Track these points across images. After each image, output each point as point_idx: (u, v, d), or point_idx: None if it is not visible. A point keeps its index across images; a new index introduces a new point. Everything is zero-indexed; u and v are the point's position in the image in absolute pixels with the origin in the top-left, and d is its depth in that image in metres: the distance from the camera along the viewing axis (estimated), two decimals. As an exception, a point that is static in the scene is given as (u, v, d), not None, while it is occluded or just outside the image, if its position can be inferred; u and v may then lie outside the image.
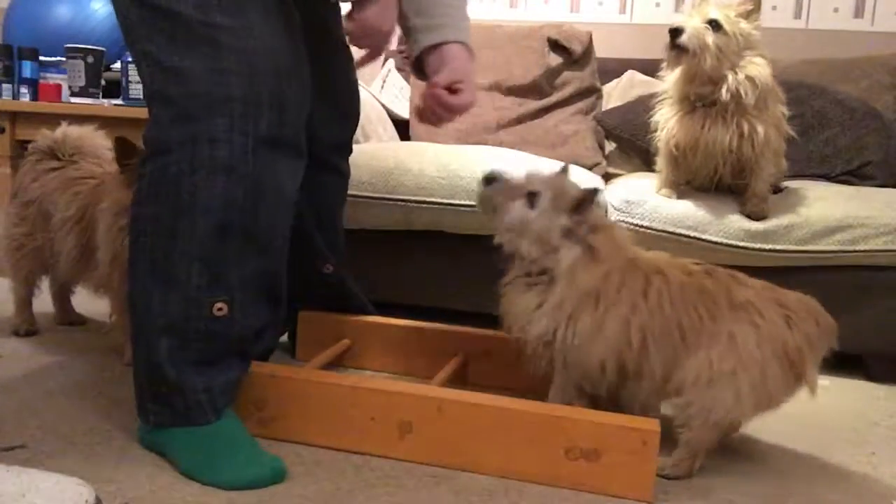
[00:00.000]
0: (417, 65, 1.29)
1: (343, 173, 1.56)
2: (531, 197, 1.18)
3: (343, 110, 1.49)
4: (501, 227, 1.21)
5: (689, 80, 1.63)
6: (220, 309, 1.06)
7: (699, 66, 1.56)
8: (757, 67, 1.56)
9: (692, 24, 1.55)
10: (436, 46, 1.25)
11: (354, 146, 1.99)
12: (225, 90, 1.02)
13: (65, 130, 1.58)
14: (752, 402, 1.09)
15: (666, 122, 1.70)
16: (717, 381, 1.08)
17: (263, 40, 1.05)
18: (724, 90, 1.56)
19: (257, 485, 1.01)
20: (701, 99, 1.61)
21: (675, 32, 1.55)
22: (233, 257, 1.07)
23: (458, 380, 1.45)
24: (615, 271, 1.16)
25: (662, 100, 1.73)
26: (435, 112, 1.26)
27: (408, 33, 1.26)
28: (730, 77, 1.56)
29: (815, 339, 1.12)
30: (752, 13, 1.57)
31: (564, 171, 1.25)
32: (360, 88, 2.34)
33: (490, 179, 1.22)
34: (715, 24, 1.55)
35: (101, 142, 1.60)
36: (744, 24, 1.57)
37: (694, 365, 1.09)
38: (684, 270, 1.17)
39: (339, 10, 1.40)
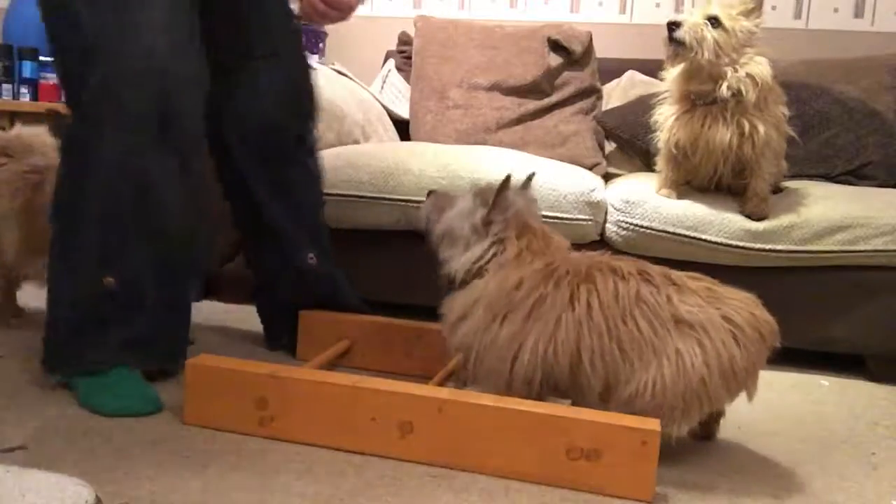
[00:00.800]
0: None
1: (310, 170, 1.57)
2: (453, 203, 1.22)
3: (296, 106, 1.50)
4: (433, 240, 1.25)
5: (688, 78, 1.63)
6: (109, 282, 1.23)
7: (697, 61, 1.56)
8: (758, 66, 1.56)
9: (691, 19, 1.56)
10: None
11: (355, 146, 1.99)
12: (117, 101, 1.16)
13: (18, 130, 1.68)
14: (697, 413, 1.10)
15: (665, 120, 1.70)
16: (667, 398, 1.07)
17: (157, 58, 1.16)
18: (724, 87, 1.56)
19: (130, 411, 1.20)
20: (701, 97, 1.61)
21: (673, 26, 1.55)
22: (121, 243, 1.23)
23: (458, 380, 1.45)
24: (532, 278, 1.14)
25: (662, 99, 1.73)
26: (313, 5, 1.36)
27: None
28: (729, 73, 1.56)
29: (761, 353, 1.11)
30: (753, 11, 1.57)
31: (528, 181, 1.25)
32: (360, 88, 2.35)
33: (428, 194, 1.29)
34: (714, 21, 1.55)
35: (50, 140, 1.68)
36: (745, 22, 1.56)
37: (642, 381, 1.07)
38: (617, 274, 1.13)
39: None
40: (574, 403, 1.15)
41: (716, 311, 1.08)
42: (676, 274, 1.14)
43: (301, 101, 1.53)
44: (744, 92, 1.55)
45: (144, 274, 1.27)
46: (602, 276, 1.12)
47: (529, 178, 1.28)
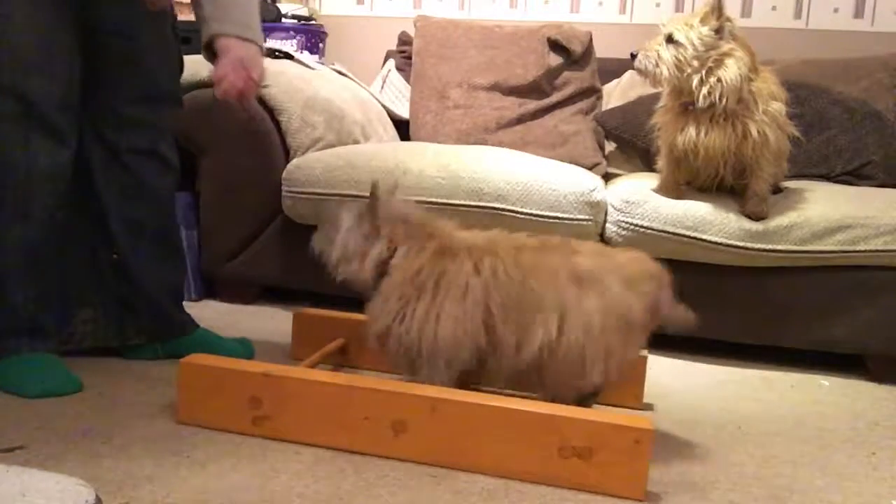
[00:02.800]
0: (208, 48, 1.37)
1: (162, 158, 1.49)
2: (339, 225, 1.29)
3: (147, 93, 1.44)
4: (332, 269, 1.29)
5: (676, 93, 1.65)
6: None
7: (663, 82, 1.61)
8: (725, 69, 1.56)
9: (648, 45, 1.62)
10: (219, 36, 1.34)
11: (355, 146, 1.99)
12: None
13: None
14: (613, 363, 1.15)
15: (665, 126, 1.71)
16: (572, 350, 1.13)
17: (9, 37, 1.21)
18: (700, 97, 1.57)
19: (52, 393, 1.26)
20: (692, 105, 1.62)
21: (632, 56, 1.63)
22: None
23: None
24: (433, 260, 1.21)
25: (661, 106, 1.74)
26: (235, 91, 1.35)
27: (199, 19, 1.35)
28: (694, 81, 1.58)
29: (657, 297, 1.18)
30: (712, 13, 1.57)
31: (393, 187, 1.36)
32: (360, 88, 2.35)
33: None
34: (669, 38, 1.59)
35: None
36: (702, 29, 1.57)
37: (546, 335, 1.14)
38: (516, 245, 1.21)
39: None
40: (492, 366, 1.19)
41: (610, 267, 1.17)
42: (573, 240, 1.24)
43: (152, 87, 1.46)
44: (716, 98, 1.56)
45: (21, 261, 1.29)
46: (503, 246, 1.21)
47: (395, 185, 1.39)
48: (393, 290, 1.21)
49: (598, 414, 1.07)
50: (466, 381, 1.23)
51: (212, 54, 1.35)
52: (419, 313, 1.18)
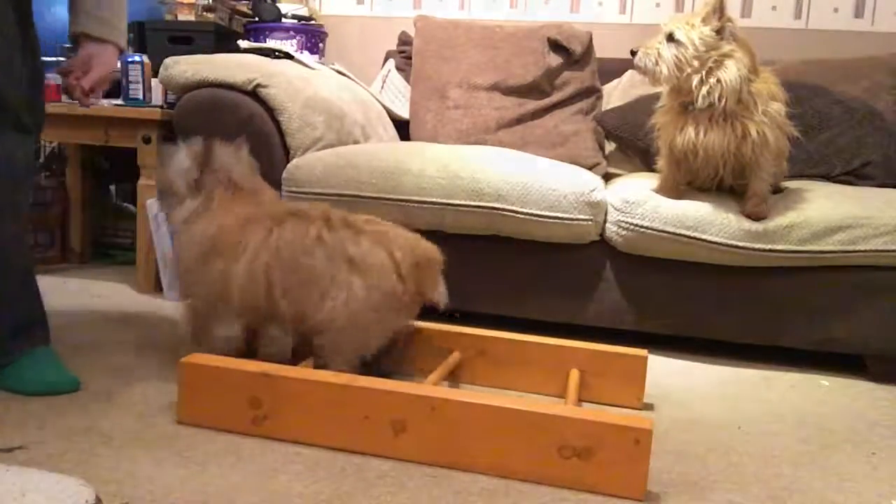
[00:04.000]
0: (73, 39, 1.37)
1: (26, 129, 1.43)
2: (172, 157, 1.41)
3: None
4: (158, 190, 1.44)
5: (675, 93, 1.66)
6: None
7: (662, 81, 1.61)
8: (725, 70, 1.57)
9: (649, 43, 1.62)
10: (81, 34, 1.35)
11: (355, 146, 1.99)
12: None
13: None
14: (376, 341, 1.32)
15: (664, 126, 1.71)
16: (350, 326, 1.27)
17: None
18: (699, 97, 1.58)
19: (51, 390, 1.28)
20: (691, 104, 1.62)
21: (632, 53, 1.64)
22: None
23: (453, 379, 1.45)
24: (230, 225, 1.33)
25: (661, 106, 1.74)
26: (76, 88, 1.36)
27: (73, 10, 1.34)
28: (694, 81, 1.58)
29: (421, 280, 1.32)
30: (714, 14, 1.58)
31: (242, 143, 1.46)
32: (360, 88, 2.35)
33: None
34: (670, 37, 1.59)
35: None
36: (704, 28, 1.57)
37: (329, 309, 1.27)
38: (303, 218, 1.33)
39: None
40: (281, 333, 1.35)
41: (383, 251, 1.29)
42: (354, 217, 1.34)
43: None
44: (715, 99, 1.57)
45: None
46: (291, 220, 1.33)
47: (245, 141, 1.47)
48: (191, 243, 1.34)
49: (598, 414, 1.07)
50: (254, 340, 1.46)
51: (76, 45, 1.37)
52: (214, 273, 1.32)
